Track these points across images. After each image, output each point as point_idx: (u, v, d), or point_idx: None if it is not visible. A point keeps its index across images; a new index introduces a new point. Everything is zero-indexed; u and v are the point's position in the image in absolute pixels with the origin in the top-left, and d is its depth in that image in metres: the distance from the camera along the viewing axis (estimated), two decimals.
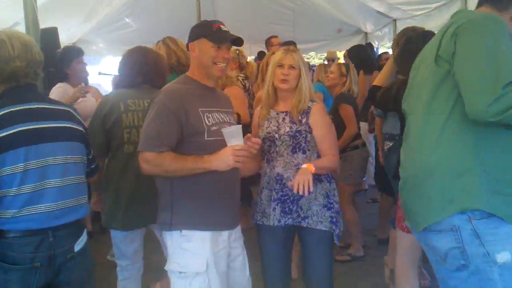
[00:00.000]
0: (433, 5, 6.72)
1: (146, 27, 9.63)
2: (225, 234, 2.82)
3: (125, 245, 3.37)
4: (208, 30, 2.73)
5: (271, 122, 3.18)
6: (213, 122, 2.72)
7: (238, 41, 2.76)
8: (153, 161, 2.58)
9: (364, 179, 5.93)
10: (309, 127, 3.10)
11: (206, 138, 2.67)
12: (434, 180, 2.20)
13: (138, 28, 9.75)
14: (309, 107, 3.12)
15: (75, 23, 8.91)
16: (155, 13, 9.34)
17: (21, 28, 6.31)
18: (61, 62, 4.65)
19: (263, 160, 3.20)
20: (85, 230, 2.63)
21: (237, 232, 2.95)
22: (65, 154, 2.45)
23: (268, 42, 7.41)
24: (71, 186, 2.47)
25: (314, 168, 2.88)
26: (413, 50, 2.94)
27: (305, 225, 3.08)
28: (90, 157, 2.72)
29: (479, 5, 2.45)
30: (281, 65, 3.12)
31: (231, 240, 2.87)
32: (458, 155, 2.15)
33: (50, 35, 4.80)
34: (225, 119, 2.81)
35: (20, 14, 5.97)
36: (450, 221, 2.15)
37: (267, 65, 4.78)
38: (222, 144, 2.61)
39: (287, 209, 3.08)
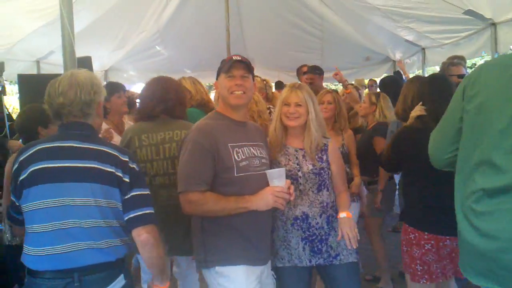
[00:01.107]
0: (462, 34, 6.69)
1: (176, 55, 9.80)
2: (258, 269, 2.80)
3: (148, 273, 3.38)
4: (223, 65, 2.86)
5: (289, 160, 3.12)
6: (243, 157, 2.74)
7: (248, 65, 2.82)
8: (196, 202, 2.62)
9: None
10: (329, 164, 3.14)
11: (235, 174, 2.69)
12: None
13: (168, 56, 9.93)
14: (325, 144, 3.15)
15: (107, 51, 9.13)
16: (186, 42, 9.49)
17: (57, 56, 6.50)
18: None
19: None
20: (122, 275, 2.42)
21: (268, 268, 2.94)
22: (86, 196, 2.33)
23: (300, 71, 7.43)
24: (97, 228, 2.34)
25: (345, 211, 2.96)
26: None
27: (337, 263, 3.05)
28: (126, 198, 2.42)
29: None
30: (287, 104, 3.12)
31: (263, 276, 2.86)
32: None
33: (85, 64, 4.91)
34: (255, 153, 2.82)
35: (56, 42, 6.15)
36: None
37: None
38: (252, 179, 2.67)
39: (316, 249, 3.05)
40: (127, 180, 2.42)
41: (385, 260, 5.08)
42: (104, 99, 4.45)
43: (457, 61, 4.62)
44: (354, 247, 2.86)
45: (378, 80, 9.29)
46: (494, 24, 5.73)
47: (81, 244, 2.31)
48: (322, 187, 3.09)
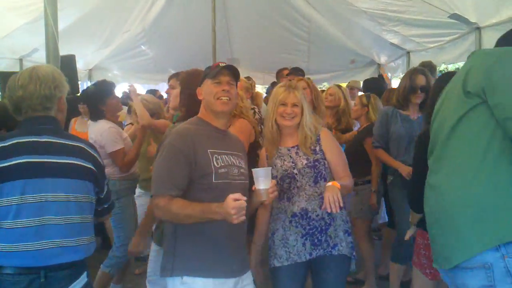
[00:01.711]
0: (447, 38, 6.74)
1: (161, 55, 9.75)
2: (230, 282, 2.69)
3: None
4: (208, 71, 2.80)
5: (284, 160, 3.14)
6: (222, 164, 2.68)
7: (235, 72, 2.78)
8: (163, 207, 2.54)
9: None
10: (323, 153, 3.13)
11: (213, 180, 2.63)
12: (469, 216, 2.16)
13: (153, 56, 9.88)
14: (317, 135, 3.16)
15: (91, 50, 9.08)
16: (171, 42, 9.45)
17: (40, 55, 6.44)
18: (95, 99, 4.58)
19: (283, 200, 3.12)
20: (86, 272, 2.47)
21: (246, 279, 2.83)
22: (66, 192, 2.36)
23: (279, 74, 7.44)
24: (72, 225, 2.36)
25: (339, 185, 2.85)
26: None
27: (336, 253, 3.05)
28: (102, 196, 2.64)
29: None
30: (284, 104, 3.12)
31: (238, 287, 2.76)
32: (497, 190, 2.12)
33: (68, 62, 4.85)
34: (235, 162, 2.76)
35: (39, 40, 6.09)
36: (482, 258, 2.11)
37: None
38: (230, 187, 2.60)
39: (316, 240, 3.04)
40: (98, 175, 2.55)
41: (372, 263, 5.08)
42: (100, 102, 4.46)
43: (420, 69, 4.69)
44: (334, 211, 2.74)
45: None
46: (478, 28, 5.77)
47: (54, 242, 2.30)
48: (319, 178, 3.09)
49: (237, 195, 2.38)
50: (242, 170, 2.79)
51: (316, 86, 4.66)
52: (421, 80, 4.41)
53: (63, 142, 2.42)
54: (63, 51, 3.63)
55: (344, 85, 8.75)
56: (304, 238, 3.05)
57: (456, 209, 2.21)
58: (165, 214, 2.58)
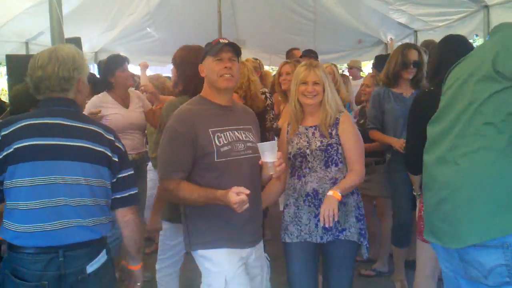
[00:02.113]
0: (455, 17, 6.67)
1: (167, 37, 9.71)
2: (243, 251, 2.79)
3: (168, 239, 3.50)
4: (209, 47, 2.79)
5: (301, 138, 3.19)
6: (225, 142, 2.71)
7: (236, 48, 2.78)
8: (171, 191, 2.66)
9: None
10: (339, 137, 3.13)
11: (216, 160, 2.66)
12: (493, 199, 2.14)
13: (159, 38, 9.85)
14: (337, 118, 3.15)
15: (97, 33, 9.06)
16: (177, 24, 9.41)
17: (46, 38, 6.43)
18: (105, 71, 4.64)
19: (293, 177, 3.19)
20: (105, 250, 2.48)
21: (258, 250, 2.92)
22: (76, 175, 2.35)
23: (290, 54, 7.38)
24: (85, 207, 2.37)
25: (340, 194, 2.93)
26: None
27: (343, 238, 3.08)
28: (114, 180, 2.50)
29: None
30: (305, 82, 3.15)
31: (251, 259, 2.86)
32: None
33: (74, 44, 4.85)
34: (240, 137, 2.78)
35: (45, 23, 6.08)
36: (502, 238, 2.11)
37: (279, 75, 4.82)
38: (233, 164, 2.65)
39: (327, 225, 3.05)
40: (116, 159, 2.47)
41: (389, 242, 5.07)
42: (108, 73, 4.48)
43: (412, 44, 4.64)
44: (327, 225, 2.87)
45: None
46: (487, 7, 5.71)
47: (69, 222, 2.32)
48: (330, 163, 3.12)
49: (241, 189, 2.45)
50: (249, 144, 2.80)
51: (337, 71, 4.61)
52: (413, 55, 4.33)
53: (76, 124, 2.41)
54: (68, 34, 3.63)
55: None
56: (317, 219, 3.07)
57: (479, 191, 2.17)
58: (173, 197, 2.71)
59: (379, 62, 6.88)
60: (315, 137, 3.15)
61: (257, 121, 3.08)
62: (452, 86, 2.42)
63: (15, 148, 2.29)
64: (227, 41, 2.77)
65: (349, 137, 3.15)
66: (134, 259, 2.65)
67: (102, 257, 2.45)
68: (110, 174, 2.47)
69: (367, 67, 13.26)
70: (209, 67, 2.76)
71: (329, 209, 2.86)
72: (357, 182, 3.11)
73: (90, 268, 2.38)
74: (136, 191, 2.59)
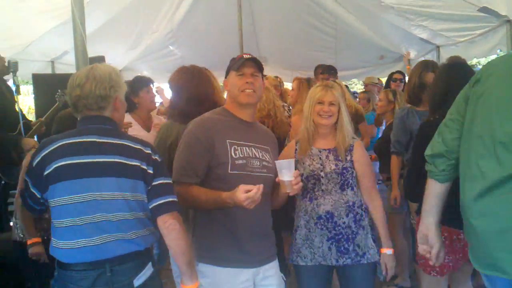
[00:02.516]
0: (478, 32, 6.61)
1: (190, 54, 9.80)
2: (247, 272, 2.70)
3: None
4: (232, 62, 2.84)
5: (313, 160, 3.15)
6: (241, 155, 2.68)
7: (258, 64, 2.80)
8: (181, 195, 2.58)
9: None
10: (353, 163, 3.11)
11: (229, 171, 2.64)
12: None
13: (182, 56, 9.93)
14: (351, 145, 3.14)
15: (120, 51, 9.18)
16: (199, 42, 9.51)
17: (71, 57, 6.55)
18: (128, 91, 4.62)
19: (305, 199, 3.15)
20: (150, 263, 2.50)
21: (269, 270, 2.82)
22: (111, 190, 2.38)
23: (317, 71, 7.43)
24: (124, 221, 2.40)
25: (387, 248, 3.11)
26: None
27: (365, 262, 3.06)
28: (149, 188, 2.47)
29: None
30: (321, 102, 3.13)
31: (258, 279, 2.76)
32: None
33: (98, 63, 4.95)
34: (257, 155, 2.75)
35: (70, 43, 6.19)
36: None
37: (298, 90, 4.84)
38: (247, 179, 2.58)
39: (342, 248, 3.05)
40: (151, 172, 2.47)
41: (406, 257, 5.04)
42: (132, 94, 4.46)
43: (431, 65, 4.45)
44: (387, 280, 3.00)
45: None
46: (509, 21, 5.65)
47: (111, 236, 2.35)
48: (346, 186, 3.10)
49: (249, 187, 2.39)
50: (265, 163, 2.78)
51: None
52: (430, 78, 4.23)
53: (108, 141, 2.44)
54: (92, 52, 3.69)
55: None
56: (330, 242, 3.05)
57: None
58: (184, 201, 2.61)
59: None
60: (329, 160, 3.13)
61: (277, 145, 3.05)
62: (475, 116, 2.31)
63: (54, 168, 2.35)
64: (249, 56, 2.79)
65: (364, 164, 3.16)
66: (185, 275, 2.50)
67: (148, 270, 2.47)
68: (145, 186, 2.46)
69: None
70: (231, 82, 2.79)
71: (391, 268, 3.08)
72: (385, 216, 3.19)
73: (137, 281, 2.41)
74: (175, 199, 2.51)
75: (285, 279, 2.98)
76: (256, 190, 2.38)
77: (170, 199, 2.50)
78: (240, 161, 2.67)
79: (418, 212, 3.27)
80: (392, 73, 7.25)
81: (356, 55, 9.90)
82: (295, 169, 2.64)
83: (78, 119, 2.54)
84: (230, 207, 2.51)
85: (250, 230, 2.71)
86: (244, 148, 2.72)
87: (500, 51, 6.39)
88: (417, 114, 4.35)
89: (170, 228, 2.45)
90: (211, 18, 8.90)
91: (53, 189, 2.36)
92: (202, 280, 2.60)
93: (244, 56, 2.79)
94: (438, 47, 8.22)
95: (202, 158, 2.65)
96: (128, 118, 4.54)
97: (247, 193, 2.38)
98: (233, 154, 2.66)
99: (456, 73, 3.20)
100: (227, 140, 2.69)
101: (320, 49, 9.78)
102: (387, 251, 3.07)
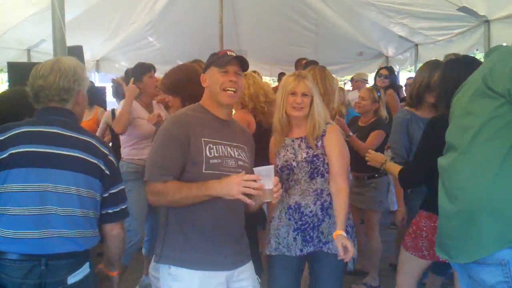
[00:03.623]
0: (456, 31, 6.69)
1: (168, 46, 9.76)
2: (221, 275, 2.60)
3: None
4: (214, 58, 2.69)
5: (287, 150, 3.12)
6: (216, 155, 2.57)
7: (243, 63, 2.68)
8: (159, 193, 2.50)
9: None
10: (324, 148, 3.07)
11: (203, 171, 2.53)
12: (489, 215, 2.18)
13: (160, 47, 9.89)
14: (324, 130, 3.09)
15: (99, 41, 9.10)
16: (178, 33, 9.45)
17: (48, 45, 6.44)
18: (132, 77, 4.62)
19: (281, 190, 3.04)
20: (88, 263, 2.47)
21: (244, 272, 2.73)
22: (68, 184, 2.35)
23: (298, 65, 7.43)
24: (73, 217, 2.36)
25: (343, 231, 2.83)
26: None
27: (325, 250, 3.00)
28: (106, 196, 2.51)
29: None
30: (293, 93, 3.07)
31: (231, 283, 2.66)
32: None
33: (76, 53, 4.87)
34: (232, 154, 2.65)
35: (47, 31, 6.09)
36: (499, 256, 2.16)
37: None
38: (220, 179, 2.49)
39: (307, 237, 3.02)
40: (107, 173, 2.48)
41: (378, 257, 5.08)
42: (136, 79, 4.50)
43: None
44: (347, 261, 2.79)
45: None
46: (487, 21, 5.72)
47: (55, 232, 2.32)
48: (315, 174, 3.05)
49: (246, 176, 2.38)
50: (240, 163, 2.67)
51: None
52: None
53: (71, 135, 2.42)
54: (70, 42, 3.63)
55: (349, 77, 8.78)
56: (296, 232, 3.03)
57: (477, 207, 2.21)
58: (160, 200, 2.53)
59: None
60: (301, 149, 3.09)
61: (253, 143, 2.94)
62: (456, 106, 2.48)
63: (9, 154, 2.31)
64: (235, 55, 2.67)
65: (334, 148, 3.06)
66: (113, 266, 2.72)
67: (84, 270, 2.44)
68: (101, 187, 2.47)
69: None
70: (213, 78, 2.65)
71: (347, 248, 2.73)
72: (347, 206, 2.98)
73: (71, 279, 2.37)
74: (126, 205, 2.62)
75: (260, 280, 2.92)
76: (255, 177, 2.37)
77: (123, 207, 2.59)
78: (215, 160, 2.56)
79: (422, 207, 3.31)
80: (380, 68, 7.27)
81: (336, 51, 9.97)
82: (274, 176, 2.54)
83: (39, 109, 2.50)
84: (213, 196, 2.43)
85: (224, 231, 2.62)
86: (219, 146, 2.62)
87: (477, 50, 6.48)
88: (420, 122, 3.85)
89: (116, 236, 2.60)
90: (192, 10, 8.84)
91: (5, 175, 2.30)
92: (175, 284, 2.55)
93: (228, 53, 2.67)
94: (416, 45, 8.32)
95: (177, 156, 2.53)
96: (134, 104, 4.54)
97: (243, 178, 2.35)
98: (207, 153, 2.56)
99: (473, 66, 3.14)
100: (202, 139, 2.58)
101: (300, 44, 9.82)
102: (342, 232, 2.83)
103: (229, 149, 2.65)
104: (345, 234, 2.83)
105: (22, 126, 2.40)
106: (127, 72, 5.13)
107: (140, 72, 4.65)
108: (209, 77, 2.68)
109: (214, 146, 2.59)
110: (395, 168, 3.42)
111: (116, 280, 2.76)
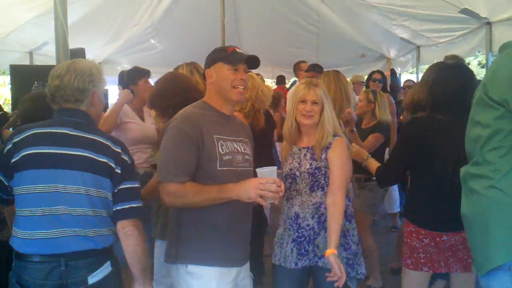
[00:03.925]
0: (457, 33, 6.69)
1: (170, 48, 9.76)
2: (233, 271, 2.66)
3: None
4: (223, 54, 2.65)
5: (293, 159, 3.10)
6: (227, 151, 2.60)
7: (254, 63, 2.68)
8: (175, 193, 2.47)
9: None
10: (327, 161, 3.02)
11: (218, 167, 2.54)
12: (499, 224, 2.16)
13: (162, 50, 9.90)
14: (330, 142, 3.04)
15: (101, 44, 9.10)
16: (180, 35, 9.46)
17: (50, 48, 6.45)
18: (127, 79, 4.69)
19: (284, 198, 3.07)
20: (109, 262, 2.45)
21: (246, 270, 2.80)
22: (77, 184, 2.35)
23: (297, 67, 7.45)
24: (85, 217, 2.36)
25: (335, 249, 2.75)
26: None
27: (320, 264, 2.96)
28: (116, 191, 2.46)
29: None
30: (303, 101, 3.05)
31: (239, 279, 2.71)
32: None
33: (78, 55, 4.89)
34: (238, 149, 2.68)
35: (49, 34, 6.09)
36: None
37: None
38: (234, 174, 2.54)
39: (303, 250, 2.99)
40: (118, 171, 2.45)
41: (375, 257, 5.06)
42: (130, 82, 4.54)
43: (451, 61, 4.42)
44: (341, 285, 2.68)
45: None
46: (489, 23, 5.72)
47: (69, 231, 2.33)
48: (316, 187, 3.01)
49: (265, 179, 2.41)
50: (246, 157, 2.72)
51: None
52: None
53: (81, 134, 2.42)
54: (72, 44, 3.64)
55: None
56: (293, 244, 3.01)
57: (487, 217, 2.19)
58: (176, 201, 2.51)
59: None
60: (306, 159, 3.06)
61: (252, 137, 2.97)
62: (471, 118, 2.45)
63: (22, 156, 2.34)
64: (250, 55, 2.65)
65: (337, 161, 3.00)
66: (139, 281, 2.55)
67: (105, 269, 2.43)
68: (111, 185, 2.44)
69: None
70: (222, 75, 2.61)
71: (338, 271, 2.66)
72: (341, 221, 2.89)
73: (92, 279, 2.37)
74: (139, 204, 2.52)
75: (253, 277, 2.93)
76: (273, 181, 2.40)
77: (134, 205, 2.49)
78: (227, 157, 2.58)
79: (404, 215, 3.31)
80: (372, 72, 7.27)
81: (337, 53, 9.97)
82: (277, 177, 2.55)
83: (55, 110, 2.52)
84: (232, 199, 2.44)
85: (237, 229, 2.65)
86: (228, 143, 2.64)
87: (479, 52, 6.49)
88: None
89: (128, 234, 2.46)
90: (194, 12, 8.84)
91: (18, 177, 2.35)
92: (195, 281, 2.56)
93: (237, 50, 2.64)
94: (418, 47, 8.33)
95: (192, 155, 2.51)
96: (125, 106, 4.58)
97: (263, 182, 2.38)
98: (220, 150, 2.57)
99: (470, 72, 3.23)
100: (214, 136, 2.58)
101: (301, 46, 9.84)
102: (335, 252, 2.74)
103: (235, 144, 2.68)
104: (337, 254, 2.75)
105: (34, 128, 2.43)
106: (121, 74, 5.13)
107: (137, 75, 4.67)
108: (217, 74, 2.64)
109: (224, 143, 2.62)
110: (373, 166, 3.47)
111: None
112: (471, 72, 3.27)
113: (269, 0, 8.73)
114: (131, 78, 4.63)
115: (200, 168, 2.54)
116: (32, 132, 2.40)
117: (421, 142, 3.06)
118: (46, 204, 2.32)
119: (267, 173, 2.51)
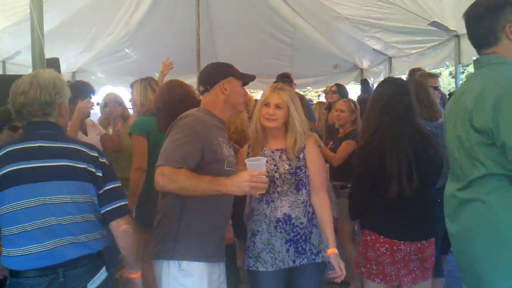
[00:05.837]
0: (428, 45, 6.87)
1: (145, 58, 9.72)
2: (221, 266, 2.81)
3: None
4: (233, 71, 2.94)
5: (267, 161, 3.05)
6: (228, 154, 2.80)
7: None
8: (169, 175, 2.46)
9: None
10: (305, 160, 3.09)
11: (225, 167, 2.71)
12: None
13: (137, 59, 9.84)
14: (304, 143, 3.11)
15: (75, 53, 9.02)
16: (155, 45, 9.42)
17: (23, 57, 6.40)
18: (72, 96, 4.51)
19: (261, 202, 3.07)
20: (104, 267, 2.49)
21: (222, 268, 2.88)
22: (61, 194, 2.37)
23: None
24: (75, 224, 2.38)
25: (334, 248, 2.99)
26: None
27: (319, 260, 3.08)
28: (100, 192, 2.50)
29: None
30: (267, 104, 3.09)
31: (222, 274, 2.84)
32: None
33: (53, 65, 4.86)
34: (232, 152, 2.90)
35: (22, 43, 6.05)
36: None
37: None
38: (233, 175, 2.61)
39: (300, 248, 3.04)
40: (100, 174, 2.49)
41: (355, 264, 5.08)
42: (71, 101, 4.32)
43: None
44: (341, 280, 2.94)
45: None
46: (458, 36, 5.90)
47: (62, 240, 2.34)
48: (301, 186, 3.06)
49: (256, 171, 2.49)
50: (234, 160, 2.92)
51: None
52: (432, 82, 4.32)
53: (55, 145, 2.43)
54: (46, 53, 3.63)
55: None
56: (288, 244, 3.03)
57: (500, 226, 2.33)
58: (169, 182, 2.48)
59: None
60: (283, 160, 3.07)
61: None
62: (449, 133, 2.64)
63: (1, 175, 2.32)
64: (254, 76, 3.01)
65: (315, 161, 3.11)
66: (133, 267, 2.68)
67: (102, 274, 2.47)
68: (95, 189, 2.48)
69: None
70: (235, 90, 2.90)
71: (341, 269, 2.94)
72: (332, 218, 3.11)
73: (91, 285, 2.41)
74: (126, 202, 2.58)
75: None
76: (262, 173, 2.50)
77: (122, 203, 2.55)
78: (230, 159, 2.80)
79: (361, 222, 3.38)
80: (331, 86, 7.56)
81: (311, 64, 10.05)
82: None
83: (23, 126, 2.51)
84: (222, 192, 2.50)
85: (222, 224, 2.84)
86: (227, 146, 2.83)
87: (448, 63, 6.65)
88: None
89: (125, 232, 2.53)
90: (169, 22, 8.85)
91: (1, 197, 2.32)
92: (187, 279, 2.64)
93: (239, 70, 2.97)
94: (390, 58, 8.50)
95: (196, 152, 2.60)
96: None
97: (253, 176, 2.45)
98: (225, 152, 2.76)
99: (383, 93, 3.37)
100: (219, 138, 2.76)
101: (277, 57, 9.89)
102: (336, 251, 2.99)
103: (229, 148, 2.87)
104: (337, 252, 2.97)
105: (8, 145, 2.41)
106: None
107: (76, 94, 4.21)
108: (231, 88, 2.88)
109: (226, 146, 2.79)
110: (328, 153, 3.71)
111: (139, 282, 2.73)
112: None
113: (245, 12, 8.78)
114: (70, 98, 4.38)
115: (209, 167, 2.64)
116: (6, 150, 2.38)
117: (375, 168, 3.15)
118: (35, 218, 2.31)
119: (257, 165, 2.57)
